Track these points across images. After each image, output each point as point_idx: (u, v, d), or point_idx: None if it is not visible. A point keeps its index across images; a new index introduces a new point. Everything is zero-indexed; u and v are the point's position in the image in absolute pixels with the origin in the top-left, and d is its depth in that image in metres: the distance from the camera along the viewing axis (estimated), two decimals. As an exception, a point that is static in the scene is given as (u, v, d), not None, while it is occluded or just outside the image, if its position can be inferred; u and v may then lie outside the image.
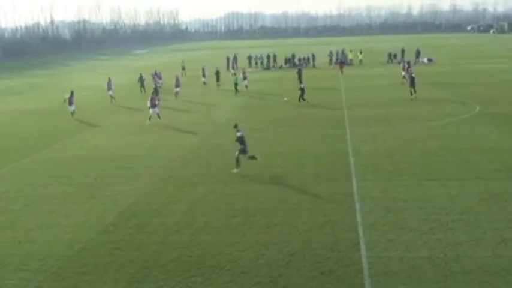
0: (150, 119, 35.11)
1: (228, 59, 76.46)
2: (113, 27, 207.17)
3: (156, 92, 39.88)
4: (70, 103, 38.54)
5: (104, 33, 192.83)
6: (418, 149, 25.23)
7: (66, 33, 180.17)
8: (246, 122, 33.86)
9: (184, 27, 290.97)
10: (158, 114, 35.36)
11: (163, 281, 13.38)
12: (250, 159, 22.81)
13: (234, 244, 15.31)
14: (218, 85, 52.85)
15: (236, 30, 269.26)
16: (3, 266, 14.78)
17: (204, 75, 56.53)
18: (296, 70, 53.24)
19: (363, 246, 14.73)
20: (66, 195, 20.83)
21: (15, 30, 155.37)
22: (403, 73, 50.02)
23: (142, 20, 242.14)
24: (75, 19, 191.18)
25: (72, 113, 38.63)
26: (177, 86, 47.01)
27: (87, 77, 73.65)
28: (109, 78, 47.70)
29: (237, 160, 22.69)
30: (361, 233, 15.61)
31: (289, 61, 76.62)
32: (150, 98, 35.45)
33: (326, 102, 40.80)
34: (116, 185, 21.71)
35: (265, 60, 77.83)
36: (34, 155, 28.17)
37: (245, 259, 14.33)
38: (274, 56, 77.98)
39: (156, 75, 55.89)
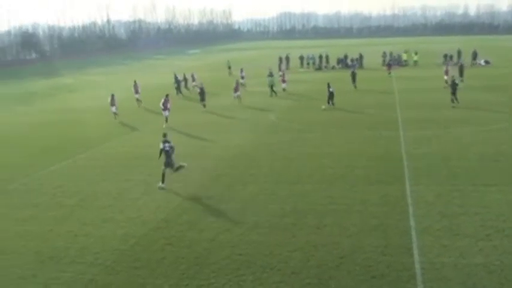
0: (166, 121, 34.68)
1: (280, 59, 76.46)
2: (167, 27, 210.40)
3: (202, 94, 39.86)
4: (112, 104, 38.76)
5: (158, 32, 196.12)
6: (474, 153, 24.55)
7: (122, 33, 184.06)
8: (294, 123, 33.92)
9: (236, 27, 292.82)
10: (166, 118, 34.61)
11: (213, 278, 13.50)
12: (177, 171, 21.66)
13: (284, 244, 15.29)
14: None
15: (288, 30, 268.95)
16: (59, 258, 15.23)
17: (242, 77, 55.42)
18: (350, 72, 52.47)
19: (415, 251, 14.44)
20: (120, 191, 21.32)
21: (73, 29, 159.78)
22: (445, 77, 48.65)
23: (195, 20, 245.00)
24: (131, 19, 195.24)
25: (115, 115, 38.70)
26: (236, 90, 44.04)
27: (141, 76, 74.88)
28: (135, 82, 47.05)
29: (163, 175, 21.35)
30: (414, 238, 15.32)
31: (342, 61, 75.90)
32: (163, 101, 34.71)
33: (378, 104, 40.27)
34: (170, 182, 22.03)
35: (317, 61, 77.41)
36: (89, 151, 28.95)
37: (295, 260, 14.29)
38: (327, 57, 77.40)
39: (192, 77, 55.64)
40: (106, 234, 16.85)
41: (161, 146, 21.38)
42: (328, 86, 39.72)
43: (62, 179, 23.55)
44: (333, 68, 74.43)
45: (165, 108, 34.55)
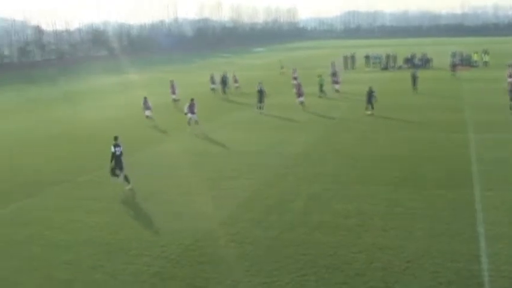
0: (189, 123, 33.42)
1: (345, 58, 75.74)
2: (232, 25, 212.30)
3: (260, 94, 39.26)
4: (146, 108, 38.59)
5: (224, 31, 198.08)
6: (550, 158, 23.56)
7: (189, 31, 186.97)
8: (357, 123, 33.53)
9: (301, 25, 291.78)
10: (196, 121, 33.29)
11: (276, 277, 13.55)
12: (111, 175, 21.50)
13: (349, 245, 15.18)
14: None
15: (354, 29, 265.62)
16: (127, 250, 15.69)
17: (294, 78, 53.47)
18: (410, 74, 50.14)
19: (484, 259, 14.02)
20: (188, 186, 21.74)
21: (142, 27, 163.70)
22: (509, 79, 46.27)
23: (260, 19, 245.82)
24: (198, 17, 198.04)
25: (148, 117, 38.29)
26: (299, 95, 41.68)
27: (204, 74, 75.68)
28: (171, 82, 47.05)
29: (125, 177, 21.50)
30: (483, 245, 14.87)
31: (409, 61, 74.31)
32: (189, 105, 33.34)
33: (446, 105, 39.25)
34: (234, 179, 22.29)
35: (383, 60, 76.17)
36: (158, 146, 29.64)
37: (360, 261, 14.16)
38: (394, 56, 76.00)
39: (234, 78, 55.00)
40: (172, 228, 17.22)
41: (112, 149, 21.30)
42: (370, 90, 37.37)
43: (133, 174, 24.19)
44: (400, 67, 73.01)
45: (192, 112, 33.21)
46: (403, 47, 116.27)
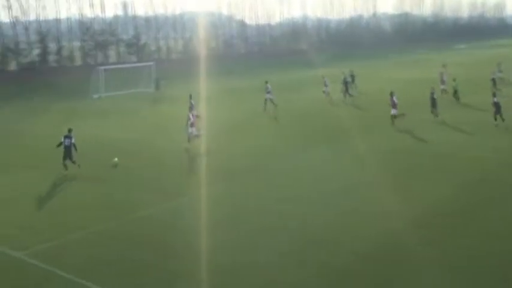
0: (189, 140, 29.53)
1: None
2: (433, 20, 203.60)
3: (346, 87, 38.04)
4: (191, 110, 34.54)
5: (424, 26, 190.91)
6: None
7: (387, 26, 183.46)
8: None
9: (510, 21, 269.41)
10: (189, 137, 29.37)
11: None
12: (74, 163, 24.30)
13: None
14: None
15: None
16: (320, 242, 16.03)
17: (442, 81, 46.56)
18: None
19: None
20: (378, 183, 21.52)
21: (340, 22, 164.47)
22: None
23: (465, 13, 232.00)
24: (397, 12, 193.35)
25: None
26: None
27: (399, 71, 73.75)
28: (266, 82, 43.11)
29: (64, 165, 24.31)
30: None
31: None
32: (192, 117, 29.76)
33: None
34: (425, 180, 21.59)
35: None
36: (350, 141, 29.49)
37: None
38: None
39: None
40: (362, 223, 17.23)
41: (61, 139, 24.28)
42: (432, 93, 33.74)
43: (320, 164, 24.64)
44: None
45: (192, 125, 29.61)
46: None
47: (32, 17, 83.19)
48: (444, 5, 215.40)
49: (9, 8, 79.79)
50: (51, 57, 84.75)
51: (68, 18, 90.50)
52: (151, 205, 19.71)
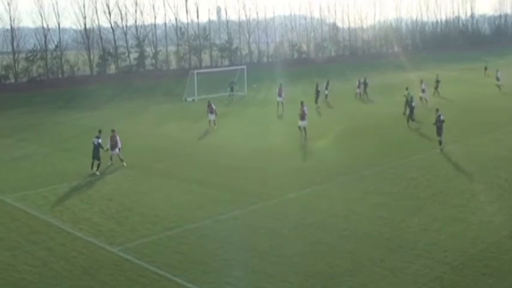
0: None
1: None
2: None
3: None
4: (210, 112, 36.07)
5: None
6: None
7: (486, 28, 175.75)
8: None
9: None
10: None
11: None
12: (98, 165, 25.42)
13: None
14: None
15: None
16: (408, 249, 15.60)
17: (498, 79, 46.56)
18: None
19: None
20: (474, 192, 20.72)
21: (435, 24, 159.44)
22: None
23: None
24: (496, 13, 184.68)
25: (210, 122, 36.29)
26: None
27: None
28: (280, 85, 44.96)
29: (92, 164, 25.35)
30: None
31: None
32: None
33: None
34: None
35: None
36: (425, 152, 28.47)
37: None
38: None
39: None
40: (456, 233, 16.60)
41: (93, 140, 25.51)
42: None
43: (416, 172, 23.95)
44: None
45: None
46: None
47: (130, 22, 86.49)
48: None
49: (109, 13, 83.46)
50: (148, 61, 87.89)
51: (164, 24, 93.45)
52: (240, 206, 19.99)
